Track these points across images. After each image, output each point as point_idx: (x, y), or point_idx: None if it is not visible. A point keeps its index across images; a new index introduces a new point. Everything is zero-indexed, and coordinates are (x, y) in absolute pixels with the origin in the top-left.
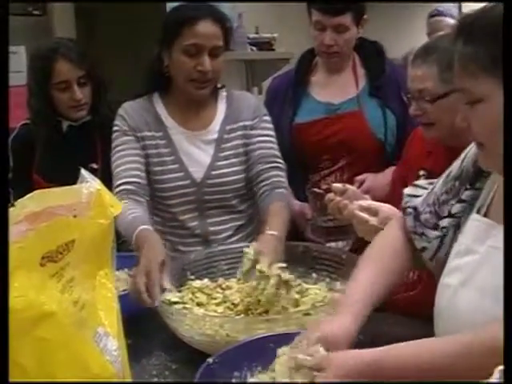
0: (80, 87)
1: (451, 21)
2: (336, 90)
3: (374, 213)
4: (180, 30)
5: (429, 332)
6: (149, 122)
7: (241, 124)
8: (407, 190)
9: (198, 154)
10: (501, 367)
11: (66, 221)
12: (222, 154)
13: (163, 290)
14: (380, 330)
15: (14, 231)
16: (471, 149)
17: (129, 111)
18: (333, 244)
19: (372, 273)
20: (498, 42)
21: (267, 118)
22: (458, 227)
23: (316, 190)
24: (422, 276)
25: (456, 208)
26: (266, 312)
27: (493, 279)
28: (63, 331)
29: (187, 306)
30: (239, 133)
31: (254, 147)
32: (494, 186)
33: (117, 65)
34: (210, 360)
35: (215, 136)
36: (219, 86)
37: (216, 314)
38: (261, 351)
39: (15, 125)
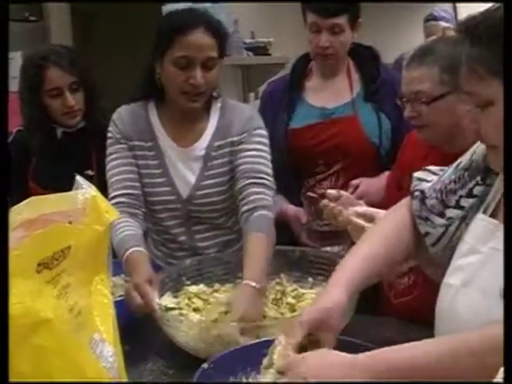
0: (72, 93)
1: (445, 24)
2: (331, 95)
3: (369, 219)
4: (170, 40)
5: (425, 336)
6: (141, 131)
7: (229, 140)
8: (417, 174)
9: (184, 170)
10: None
11: (62, 227)
12: (208, 173)
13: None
14: (377, 333)
15: (10, 238)
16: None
17: (122, 117)
18: (328, 248)
19: (372, 245)
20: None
21: (259, 131)
22: (464, 219)
23: (311, 194)
24: (418, 281)
25: (466, 202)
26: (263, 317)
27: (494, 281)
28: (59, 338)
29: (183, 311)
30: (227, 150)
31: (238, 162)
32: (502, 185)
33: (114, 69)
34: (205, 365)
35: (202, 153)
36: (215, 94)
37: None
38: (255, 356)
39: (11, 130)
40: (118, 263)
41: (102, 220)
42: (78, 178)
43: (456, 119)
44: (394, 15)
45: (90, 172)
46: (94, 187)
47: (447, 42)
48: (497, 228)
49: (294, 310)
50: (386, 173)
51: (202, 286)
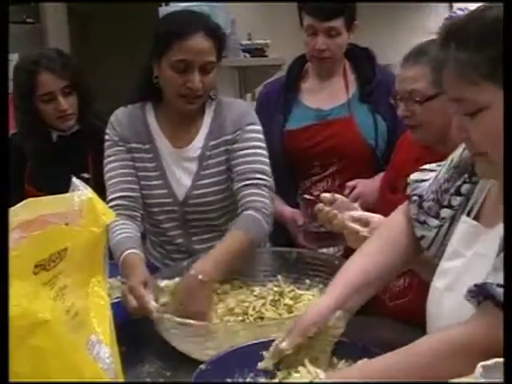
0: (65, 97)
1: None
2: (326, 96)
3: (364, 223)
4: (169, 44)
5: (420, 337)
6: (138, 133)
7: (223, 139)
8: (414, 176)
9: (180, 172)
10: (483, 363)
11: (59, 229)
12: (204, 173)
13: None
14: (373, 334)
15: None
16: None
17: (120, 119)
18: (325, 250)
19: (365, 260)
20: (496, 46)
21: (252, 127)
22: (453, 219)
23: (307, 196)
24: (413, 284)
25: (456, 200)
26: (262, 318)
27: None
28: (56, 339)
29: None
30: (222, 148)
31: (234, 163)
32: (486, 188)
33: (111, 70)
34: (203, 366)
35: (198, 153)
36: (212, 95)
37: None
38: (252, 357)
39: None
40: (115, 265)
41: (99, 222)
42: (75, 179)
43: (449, 119)
44: (390, 16)
45: (85, 175)
46: (90, 189)
47: (438, 46)
48: (480, 231)
49: (291, 311)
50: (382, 174)
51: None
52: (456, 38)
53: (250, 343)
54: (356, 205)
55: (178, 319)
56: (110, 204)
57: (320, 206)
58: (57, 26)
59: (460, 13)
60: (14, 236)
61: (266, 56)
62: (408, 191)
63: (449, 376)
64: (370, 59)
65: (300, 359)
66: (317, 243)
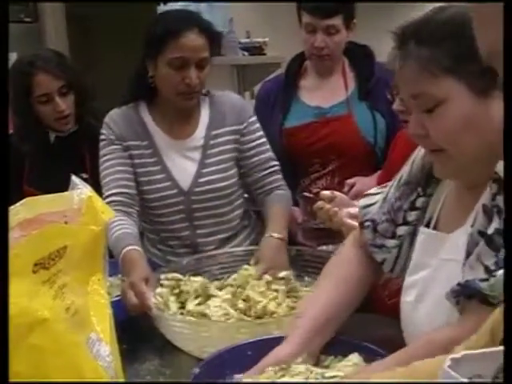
0: (62, 98)
1: None
2: (325, 94)
3: None
4: (165, 42)
5: None
6: (135, 131)
7: (228, 129)
8: (361, 202)
9: (184, 162)
10: (452, 356)
11: (58, 227)
12: (209, 161)
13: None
14: (374, 331)
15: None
16: (418, 153)
17: (115, 119)
18: (324, 247)
19: (319, 302)
20: (457, 41)
21: (254, 118)
22: (414, 236)
23: (306, 194)
24: None
25: (411, 216)
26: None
27: (446, 292)
28: (56, 337)
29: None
30: (227, 138)
31: (248, 154)
32: (443, 194)
33: (110, 69)
34: (196, 370)
35: (201, 142)
36: (204, 91)
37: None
38: (242, 358)
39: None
40: (115, 263)
41: (98, 220)
42: (74, 178)
43: None
44: (389, 13)
45: (84, 175)
46: (89, 187)
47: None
48: (441, 239)
49: (292, 308)
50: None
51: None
52: (415, 36)
53: (249, 341)
54: (355, 202)
55: (178, 317)
56: (106, 200)
57: (320, 203)
58: (55, 25)
59: None
60: (13, 235)
61: (264, 54)
62: (359, 218)
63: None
64: (369, 57)
65: None
66: (316, 241)
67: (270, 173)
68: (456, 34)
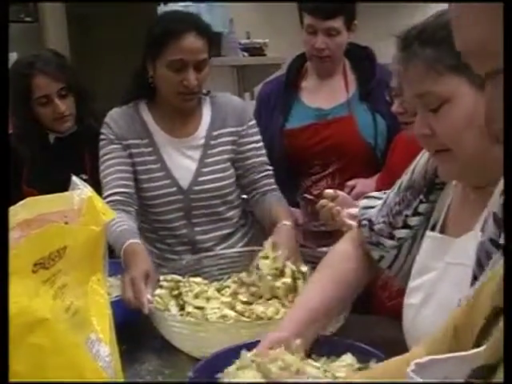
0: (62, 99)
1: None
2: (326, 96)
3: None
4: (164, 44)
5: None
6: (135, 130)
7: (228, 130)
8: (362, 203)
9: (184, 160)
10: (416, 360)
11: (58, 227)
12: (209, 160)
13: (148, 302)
14: (375, 333)
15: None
16: (419, 160)
17: (115, 119)
18: (324, 249)
19: (314, 295)
20: None
21: (253, 122)
22: (414, 239)
23: (307, 195)
24: None
25: (413, 221)
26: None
27: (452, 295)
28: (56, 337)
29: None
30: (227, 138)
31: (244, 156)
32: (448, 199)
33: (110, 69)
34: (191, 374)
35: (202, 142)
36: (205, 92)
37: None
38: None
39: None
40: (115, 263)
41: (98, 220)
42: (74, 178)
43: None
44: (390, 15)
45: (83, 176)
46: (89, 187)
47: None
48: (447, 242)
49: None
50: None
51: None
52: (419, 37)
53: (247, 342)
54: (357, 202)
55: (178, 317)
56: (106, 200)
57: (323, 201)
58: (55, 25)
59: None
60: (13, 235)
61: (264, 55)
62: (358, 217)
63: None
64: (370, 58)
65: None
66: (316, 242)
67: (264, 176)
68: None
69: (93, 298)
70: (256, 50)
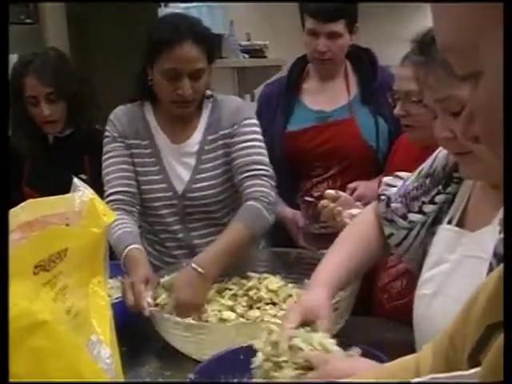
0: (49, 104)
1: None
2: (328, 98)
3: None
4: (158, 53)
5: None
6: (137, 130)
7: (221, 133)
8: (387, 179)
9: (179, 167)
10: (416, 379)
11: (59, 229)
12: (203, 166)
13: (148, 305)
14: (375, 335)
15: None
16: (442, 150)
17: (119, 117)
18: (325, 251)
19: (345, 251)
20: None
21: (249, 121)
22: (424, 224)
23: (307, 198)
24: (411, 285)
25: (428, 208)
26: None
27: (466, 287)
28: (56, 340)
29: None
30: (220, 143)
31: (233, 156)
32: (467, 193)
33: (110, 70)
34: (191, 376)
35: (196, 148)
36: (208, 94)
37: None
38: (249, 357)
39: None
40: (115, 265)
41: (99, 222)
42: (76, 180)
43: None
44: (392, 16)
45: (83, 176)
46: (91, 189)
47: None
48: (462, 236)
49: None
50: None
51: None
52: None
53: (247, 344)
54: (359, 204)
55: (178, 319)
56: (108, 199)
57: (324, 202)
58: (55, 27)
59: None
60: (14, 237)
61: (265, 57)
62: (379, 191)
63: None
64: (372, 60)
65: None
66: (317, 244)
67: (248, 176)
68: None
69: (93, 300)
70: (256, 52)
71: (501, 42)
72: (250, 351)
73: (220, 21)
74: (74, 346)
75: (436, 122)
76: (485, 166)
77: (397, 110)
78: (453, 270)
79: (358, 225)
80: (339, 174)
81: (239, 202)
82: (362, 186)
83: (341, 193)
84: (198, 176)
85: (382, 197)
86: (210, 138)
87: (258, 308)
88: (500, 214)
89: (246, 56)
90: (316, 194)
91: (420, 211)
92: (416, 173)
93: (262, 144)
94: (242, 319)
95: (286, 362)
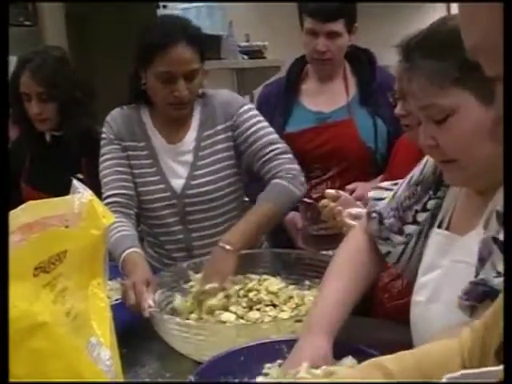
0: (40, 103)
1: None
2: (327, 99)
3: None
4: (152, 56)
5: None
6: (133, 132)
7: (219, 128)
8: (372, 194)
9: (176, 165)
10: (449, 375)
11: (59, 231)
12: (201, 163)
13: (149, 306)
14: (374, 335)
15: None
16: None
17: (116, 119)
18: (324, 252)
19: (339, 288)
20: (462, 52)
21: (244, 108)
22: (420, 234)
23: (306, 200)
24: (411, 285)
25: (421, 217)
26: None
27: (457, 293)
28: (56, 341)
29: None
30: (219, 137)
31: (245, 146)
32: (455, 196)
33: (109, 71)
34: (192, 378)
35: (192, 145)
36: (200, 92)
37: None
38: (250, 358)
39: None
40: (115, 267)
41: (99, 224)
42: (75, 181)
43: None
44: (391, 16)
45: (79, 175)
46: (90, 191)
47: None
48: (453, 240)
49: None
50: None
51: None
52: (420, 49)
53: (248, 344)
54: (359, 203)
55: (178, 320)
56: (106, 201)
57: (325, 201)
58: (54, 29)
59: None
60: (14, 239)
61: (264, 58)
62: (367, 209)
63: None
64: (371, 61)
65: None
66: (316, 246)
67: (266, 160)
68: (460, 45)
69: (93, 302)
70: (255, 53)
71: None
72: (250, 352)
73: (219, 21)
74: (74, 347)
75: (420, 129)
76: (468, 174)
77: (397, 110)
78: (444, 276)
79: (349, 252)
80: (338, 176)
81: (240, 199)
82: (361, 187)
83: (341, 192)
84: (196, 172)
85: (373, 214)
86: (205, 133)
87: (258, 310)
88: (484, 217)
89: (245, 57)
90: (315, 196)
91: (414, 221)
92: (406, 181)
93: (266, 123)
94: (241, 321)
95: None
